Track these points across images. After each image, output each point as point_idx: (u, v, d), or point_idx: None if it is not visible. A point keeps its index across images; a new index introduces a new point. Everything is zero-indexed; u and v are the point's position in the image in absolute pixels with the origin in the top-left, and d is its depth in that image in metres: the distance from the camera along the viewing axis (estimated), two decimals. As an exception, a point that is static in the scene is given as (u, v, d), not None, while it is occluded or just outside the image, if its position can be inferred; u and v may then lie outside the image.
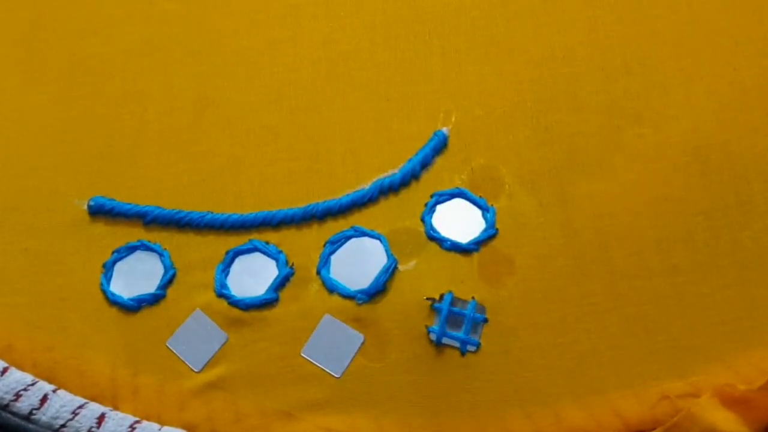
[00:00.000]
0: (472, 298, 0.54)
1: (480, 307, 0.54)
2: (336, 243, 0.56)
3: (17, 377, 0.52)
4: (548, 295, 0.54)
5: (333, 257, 0.56)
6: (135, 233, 0.57)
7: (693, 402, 0.49)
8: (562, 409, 0.51)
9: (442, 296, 0.54)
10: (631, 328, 0.53)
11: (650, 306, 0.53)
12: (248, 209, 0.57)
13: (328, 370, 0.53)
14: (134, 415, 0.52)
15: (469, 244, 0.55)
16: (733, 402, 0.49)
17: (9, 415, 0.51)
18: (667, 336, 0.52)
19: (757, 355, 0.52)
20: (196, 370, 0.53)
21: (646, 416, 0.50)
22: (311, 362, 0.53)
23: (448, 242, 0.55)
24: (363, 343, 0.53)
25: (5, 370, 0.53)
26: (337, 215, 0.57)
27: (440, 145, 0.58)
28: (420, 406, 0.52)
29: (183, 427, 0.52)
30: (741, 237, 0.54)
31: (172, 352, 0.54)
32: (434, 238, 0.56)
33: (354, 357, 0.53)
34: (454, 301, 0.54)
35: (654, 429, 0.50)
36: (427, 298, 0.53)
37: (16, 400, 0.51)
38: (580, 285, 0.54)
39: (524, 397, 0.52)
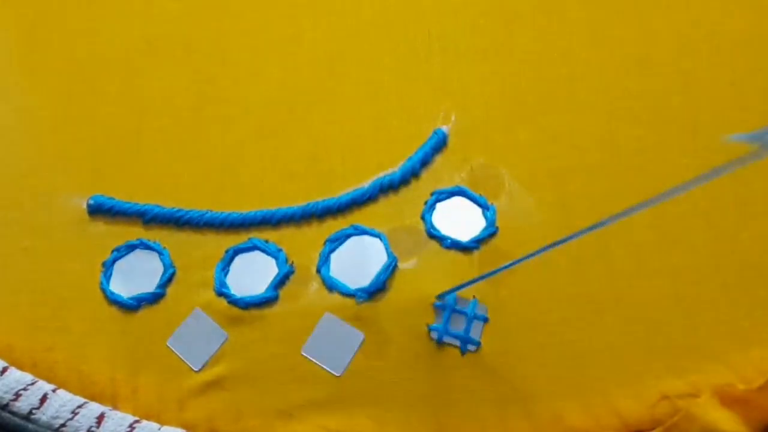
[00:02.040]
0: (473, 297, 0.54)
1: (481, 306, 0.53)
2: (336, 241, 0.56)
3: (17, 377, 0.52)
4: (548, 295, 0.54)
5: (333, 256, 0.56)
6: (134, 232, 0.57)
7: (692, 402, 0.49)
8: (562, 409, 0.51)
9: (443, 295, 0.54)
10: (631, 328, 0.53)
11: (650, 306, 0.53)
12: (247, 207, 0.57)
13: (328, 369, 0.53)
14: (134, 415, 0.52)
15: (469, 242, 0.55)
16: (732, 402, 0.49)
17: (9, 415, 0.51)
18: (667, 336, 0.52)
19: (757, 355, 0.51)
20: (195, 369, 0.53)
21: (645, 416, 0.50)
22: (311, 361, 0.53)
23: (449, 240, 0.55)
24: (363, 342, 0.53)
25: (5, 369, 0.53)
26: (337, 214, 0.57)
27: (440, 144, 0.58)
28: (420, 405, 0.52)
29: (183, 427, 0.51)
30: (740, 237, 0.54)
31: (172, 351, 0.54)
32: (434, 236, 0.56)
33: (354, 355, 0.53)
34: (457, 300, 0.54)
35: (654, 428, 0.50)
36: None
37: (15, 399, 0.51)
38: (580, 284, 0.54)
39: (524, 397, 0.51)
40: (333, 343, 0.53)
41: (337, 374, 0.53)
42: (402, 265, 0.55)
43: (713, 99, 0.58)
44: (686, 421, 0.49)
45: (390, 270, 0.55)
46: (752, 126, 0.57)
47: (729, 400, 0.49)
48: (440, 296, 0.53)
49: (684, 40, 0.59)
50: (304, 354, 0.53)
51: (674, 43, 0.59)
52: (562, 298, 0.54)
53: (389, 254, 0.55)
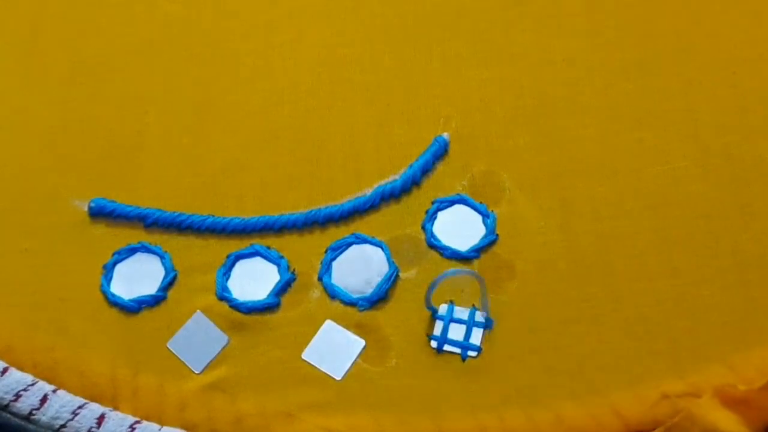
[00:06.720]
0: (473, 305, 0.54)
1: (480, 314, 0.53)
2: (337, 250, 0.56)
3: (17, 377, 0.52)
4: (549, 299, 0.54)
5: (334, 264, 0.56)
6: (136, 235, 0.57)
7: (693, 402, 0.49)
8: (562, 410, 0.51)
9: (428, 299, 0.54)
10: (631, 329, 0.53)
11: (650, 307, 0.53)
12: (249, 213, 0.57)
13: (329, 374, 0.53)
14: (134, 416, 0.52)
15: (468, 252, 0.55)
16: (733, 402, 0.49)
17: (9, 416, 0.51)
18: (667, 336, 0.52)
19: (757, 355, 0.51)
20: (196, 372, 0.53)
21: (646, 416, 0.50)
22: (312, 366, 0.53)
23: (449, 251, 0.55)
24: (364, 348, 0.53)
25: (5, 370, 0.52)
26: (339, 221, 0.57)
27: (441, 151, 0.58)
28: (420, 406, 0.51)
29: (183, 427, 0.51)
30: (741, 239, 0.54)
31: (173, 353, 0.54)
32: (435, 246, 0.56)
33: (355, 361, 0.53)
34: (454, 311, 0.54)
35: (654, 429, 0.49)
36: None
37: (16, 400, 0.51)
38: (580, 288, 0.54)
39: (524, 397, 0.51)
40: (334, 349, 0.53)
41: (337, 378, 0.53)
42: (403, 275, 0.55)
43: (713, 101, 0.58)
44: (687, 421, 0.49)
45: (392, 280, 0.55)
46: (752, 129, 0.58)
47: (730, 400, 0.49)
48: (427, 303, 0.53)
49: (684, 41, 0.60)
50: (305, 359, 0.53)
51: (674, 45, 0.60)
52: (563, 301, 0.54)
53: (390, 264, 0.55)
